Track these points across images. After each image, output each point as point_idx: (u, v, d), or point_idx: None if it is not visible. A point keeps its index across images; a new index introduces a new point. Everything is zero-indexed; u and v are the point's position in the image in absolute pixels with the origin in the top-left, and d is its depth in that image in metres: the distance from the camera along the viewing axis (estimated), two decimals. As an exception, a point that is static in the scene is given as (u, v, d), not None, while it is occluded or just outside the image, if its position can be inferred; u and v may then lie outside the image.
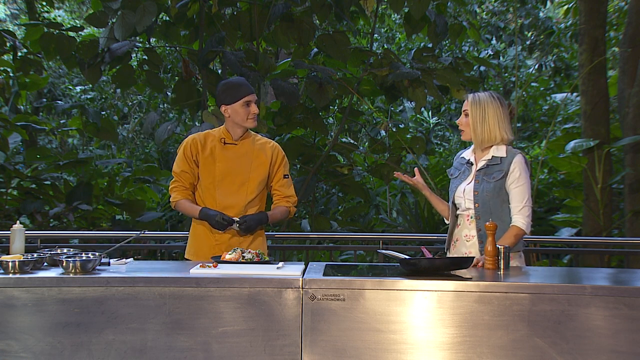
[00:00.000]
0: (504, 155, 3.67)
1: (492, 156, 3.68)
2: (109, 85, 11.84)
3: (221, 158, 3.97)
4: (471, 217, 3.70)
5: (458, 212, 3.78)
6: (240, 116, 3.92)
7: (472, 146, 3.83)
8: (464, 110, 3.74)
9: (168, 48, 9.46)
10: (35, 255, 3.35)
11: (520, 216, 3.62)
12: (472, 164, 3.76)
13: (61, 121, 11.55)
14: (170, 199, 4.03)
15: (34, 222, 7.65)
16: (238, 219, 3.82)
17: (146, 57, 7.51)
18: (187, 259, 4.02)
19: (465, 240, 3.72)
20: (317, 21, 7.67)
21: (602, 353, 2.95)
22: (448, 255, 3.82)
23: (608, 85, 8.43)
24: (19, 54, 7.88)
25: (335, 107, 9.16)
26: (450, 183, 3.85)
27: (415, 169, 3.94)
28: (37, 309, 3.07)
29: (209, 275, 3.14)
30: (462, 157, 3.85)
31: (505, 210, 3.66)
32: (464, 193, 3.71)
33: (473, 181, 3.70)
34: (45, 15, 12.48)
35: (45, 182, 8.40)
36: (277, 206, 4.10)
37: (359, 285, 3.05)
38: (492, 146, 3.71)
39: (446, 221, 3.95)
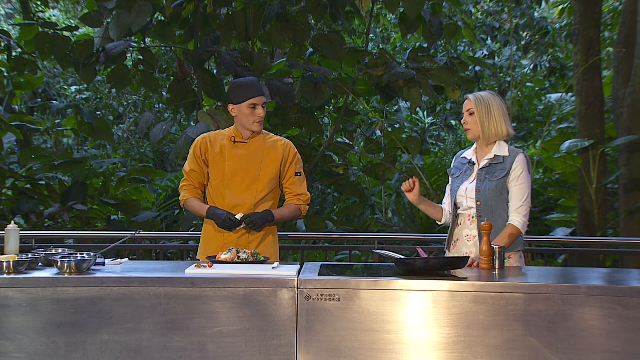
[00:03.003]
0: (507, 154, 3.72)
1: (495, 155, 3.72)
2: (104, 85, 11.81)
3: (231, 156, 3.94)
4: (472, 217, 3.72)
5: (459, 211, 3.79)
6: (246, 118, 3.89)
7: (473, 146, 3.86)
8: (467, 110, 3.77)
9: (163, 48, 9.44)
10: (30, 255, 3.35)
11: (517, 215, 3.65)
12: (474, 164, 3.79)
13: (56, 121, 11.52)
14: (180, 198, 4.02)
15: (29, 222, 7.63)
16: (243, 215, 3.78)
17: (141, 57, 7.49)
18: (198, 260, 4.00)
19: (467, 240, 3.74)
20: (313, 21, 7.67)
21: (597, 353, 2.96)
22: (447, 254, 3.83)
23: (603, 85, 8.45)
24: (14, 53, 7.86)
25: (331, 107, 9.16)
26: (452, 183, 3.87)
27: (415, 182, 3.89)
28: (32, 309, 3.06)
29: (204, 275, 3.14)
30: (464, 157, 3.87)
31: (506, 209, 3.69)
32: (466, 192, 3.73)
33: (475, 180, 3.73)
34: (40, 15, 12.44)
35: (40, 182, 8.38)
36: (287, 204, 4.07)
37: (354, 285, 3.05)
38: (495, 145, 3.74)
39: (439, 223, 3.96)
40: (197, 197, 3.99)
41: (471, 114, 3.75)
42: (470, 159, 3.82)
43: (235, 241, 3.91)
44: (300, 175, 4.08)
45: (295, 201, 4.06)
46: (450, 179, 3.92)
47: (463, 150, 3.97)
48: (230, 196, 3.91)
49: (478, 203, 3.67)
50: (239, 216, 3.79)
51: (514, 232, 3.63)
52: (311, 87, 7.06)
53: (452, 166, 3.96)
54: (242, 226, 3.83)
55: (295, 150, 4.08)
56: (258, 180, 3.94)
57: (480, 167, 3.75)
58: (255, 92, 3.88)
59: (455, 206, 3.82)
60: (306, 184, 4.13)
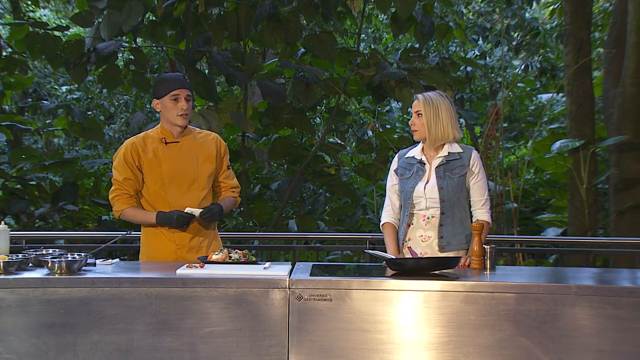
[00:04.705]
0: (460, 150, 3.75)
1: (449, 152, 3.73)
2: (95, 85, 11.76)
3: (166, 159, 3.82)
4: (428, 218, 3.72)
5: (414, 211, 3.76)
6: (169, 111, 3.77)
7: (419, 145, 3.84)
8: (415, 111, 3.76)
9: (154, 48, 9.41)
10: (20, 256, 3.33)
11: (483, 210, 3.73)
12: (424, 163, 3.77)
13: (47, 121, 11.46)
14: (114, 210, 3.84)
15: (19, 222, 7.59)
16: (201, 210, 3.71)
17: (132, 57, 7.47)
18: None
19: (421, 241, 3.74)
20: (304, 21, 7.66)
21: (587, 352, 2.97)
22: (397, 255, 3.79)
23: (593, 85, 8.49)
24: (4, 53, 7.83)
25: (323, 107, 9.15)
26: (401, 183, 3.81)
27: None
28: (22, 309, 3.05)
29: (196, 275, 3.13)
30: (412, 157, 3.83)
31: (464, 205, 3.74)
32: (425, 191, 3.70)
33: (434, 178, 3.71)
34: (31, 14, 12.40)
35: (31, 183, 8.34)
36: (225, 197, 4.01)
37: (345, 285, 3.05)
38: (444, 144, 3.75)
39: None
40: (133, 205, 3.83)
41: (419, 116, 3.74)
42: (420, 159, 3.79)
43: (187, 244, 3.82)
44: (230, 168, 4.05)
45: (230, 193, 4.03)
46: (394, 179, 3.86)
47: (406, 150, 3.93)
48: (173, 199, 3.80)
49: (442, 200, 3.67)
50: (191, 210, 3.69)
51: (487, 228, 3.70)
52: (303, 87, 7.06)
53: (396, 166, 3.89)
54: (197, 217, 3.72)
55: (225, 142, 4.03)
56: (198, 179, 3.86)
57: (436, 165, 3.73)
58: (177, 84, 3.77)
59: (406, 206, 3.79)
60: (235, 176, 4.11)
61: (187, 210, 3.70)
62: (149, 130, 3.95)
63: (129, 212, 3.81)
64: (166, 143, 3.84)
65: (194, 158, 3.87)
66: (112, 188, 3.84)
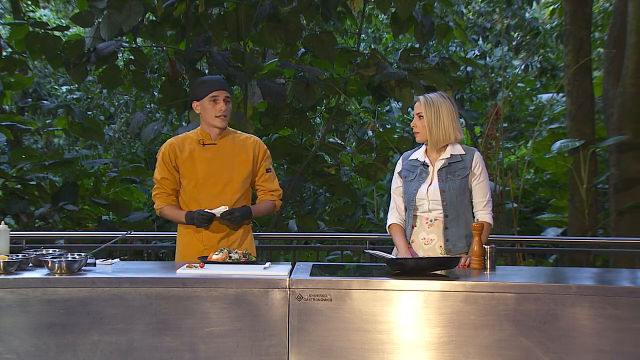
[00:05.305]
0: (463, 152, 3.74)
1: (451, 154, 3.73)
2: (95, 85, 11.76)
3: (201, 160, 3.89)
4: (431, 220, 3.71)
5: (417, 213, 3.77)
6: (208, 113, 3.83)
7: (422, 148, 3.84)
8: (417, 113, 3.75)
9: (154, 48, 9.41)
10: (20, 256, 3.34)
11: (485, 211, 3.73)
12: (427, 165, 3.77)
13: (47, 121, 11.46)
14: (155, 207, 3.96)
15: (19, 222, 7.59)
16: (223, 211, 3.74)
17: (132, 57, 7.46)
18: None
19: (424, 244, 3.74)
20: (304, 21, 7.66)
21: (588, 352, 2.97)
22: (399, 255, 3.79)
23: (593, 85, 8.48)
24: (4, 53, 7.82)
25: (323, 107, 9.14)
26: (404, 185, 3.82)
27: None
28: (22, 309, 3.05)
29: (196, 275, 3.13)
30: (415, 159, 3.83)
31: (467, 206, 3.73)
32: (428, 194, 3.70)
33: (436, 181, 3.71)
34: (31, 14, 12.40)
35: (31, 183, 8.34)
36: (262, 200, 4.04)
37: (345, 285, 3.06)
38: (447, 146, 3.74)
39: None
40: (171, 204, 3.92)
41: (420, 117, 3.73)
42: (423, 161, 3.79)
43: (215, 245, 3.86)
44: (271, 171, 4.06)
45: (269, 197, 4.04)
46: (399, 181, 3.86)
47: (409, 152, 3.93)
48: (205, 200, 3.86)
49: (445, 203, 3.67)
50: (217, 210, 3.74)
51: (488, 228, 3.70)
52: (303, 87, 7.05)
53: (400, 168, 3.89)
54: (219, 217, 3.76)
55: (265, 146, 4.05)
56: (232, 182, 3.90)
57: (439, 167, 3.73)
58: (216, 86, 3.83)
59: (411, 208, 3.78)
60: (277, 179, 4.12)
61: (210, 210, 3.74)
62: (190, 132, 4.02)
63: (166, 210, 3.92)
64: (203, 144, 3.91)
65: (230, 160, 3.91)
66: (154, 186, 3.97)
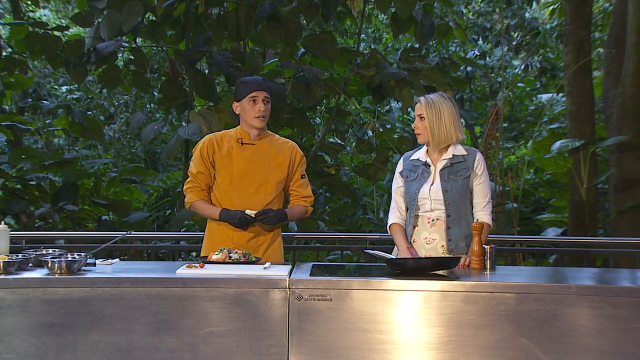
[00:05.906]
0: (465, 153, 3.75)
1: (453, 155, 3.73)
2: (95, 85, 11.76)
3: (239, 158, 3.91)
4: (433, 220, 3.72)
5: (419, 213, 3.77)
6: (247, 113, 3.87)
7: (423, 148, 3.84)
8: (418, 115, 3.75)
9: (154, 48, 9.41)
10: (20, 256, 3.34)
11: (485, 212, 3.73)
12: (429, 165, 3.78)
13: (47, 121, 11.46)
14: (185, 200, 3.97)
15: (19, 222, 7.59)
16: (257, 212, 3.77)
17: (132, 57, 7.47)
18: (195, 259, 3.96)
19: (425, 243, 3.74)
20: (304, 21, 7.66)
21: (588, 352, 2.97)
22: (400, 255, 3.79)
23: (593, 85, 8.48)
24: (4, 53, 7.82)
25: (322, 107, 9.15)
26: (406, 185, 3.82)
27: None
28: (22, 309, 3.05)
29: (196, 275, 3.13)
30: (416, 159, 3.83)
31: (469, 207, 3.74)
32: (430, 194, 3.71)
33: (438, 181, 3.72)
34: (31, 14, 12.39)
35: (31, 183, 8.34)
36: (295, 205, 4.06)
37: (345, 285, 3.05)
38: (448, 146, 3.75)
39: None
40: (204, 199, 3.94)
41: (422, 119, 3.74)
42: (425, 161, 3.79)
43: (244, 244, 3.87)
44: (305, 177, 4.09)
45: (302, 202, 4.07)
46: (400, 181, 3.86)
47: (411, 152, 3.93)
48: (239, 199, 3.89)
49: (447, 203, 3.68)
50: (250, 212, 3.78)
51: (487, 228, 3.69)
52: (303, 87, 7.05)
53: (402, 168, 3.89)
54: (253, 219, 3.80)
55: (301, 152, 4.07)
56: (266, 183, 3.92)
57: (441, 168, 3.74)
58: (255, 86, 3.86)
59: (412, 208, 3.79)
60: (310, 186, 4.14)
61: (247, 212, 3.77)
62: (230, 130, 4.04)
63: (198, 205, 3.93)
64: (242, 144, 3.94)
65: (266, 162, 3.93)
66: (187, 180, 3.98)
